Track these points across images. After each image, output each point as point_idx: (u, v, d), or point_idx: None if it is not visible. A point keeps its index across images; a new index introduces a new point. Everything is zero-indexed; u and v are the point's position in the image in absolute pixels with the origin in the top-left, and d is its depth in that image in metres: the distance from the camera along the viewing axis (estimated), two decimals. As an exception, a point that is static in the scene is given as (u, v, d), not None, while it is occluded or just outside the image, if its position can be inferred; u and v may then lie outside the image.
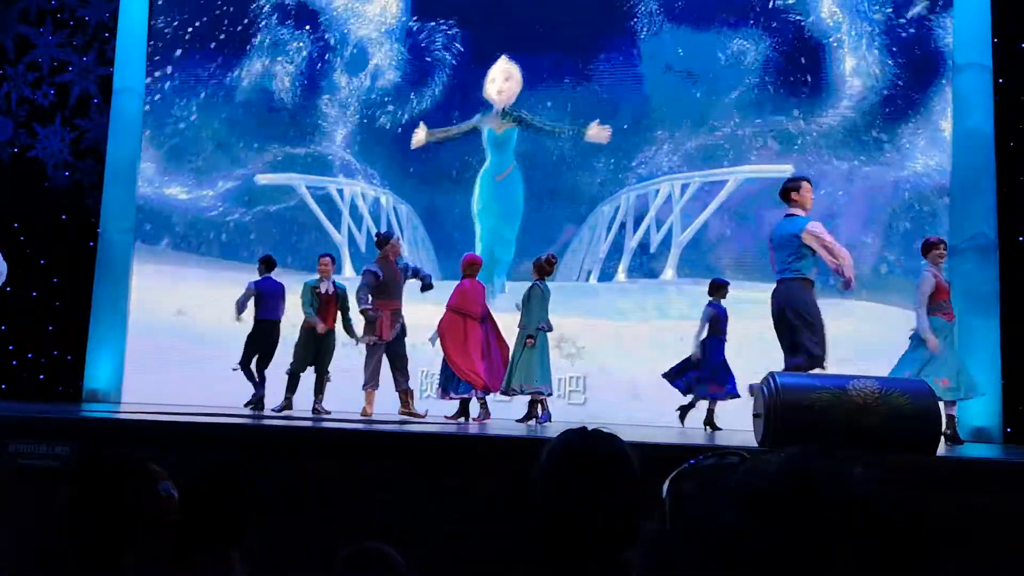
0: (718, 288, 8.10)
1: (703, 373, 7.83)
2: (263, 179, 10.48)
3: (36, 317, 10.07)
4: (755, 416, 4.81)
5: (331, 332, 8.12)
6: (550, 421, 7.50)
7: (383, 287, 7.64)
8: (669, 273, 9.59)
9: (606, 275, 9.81)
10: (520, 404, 7.87)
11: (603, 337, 9.48)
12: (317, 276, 8.23)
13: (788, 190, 5.93)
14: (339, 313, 8.15)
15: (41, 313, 10.11)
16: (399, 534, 4.22)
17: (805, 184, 5.97)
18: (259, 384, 8.27)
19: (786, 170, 9.03)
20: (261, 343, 8.27)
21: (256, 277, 8.46)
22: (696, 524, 0.68)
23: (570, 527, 1.73)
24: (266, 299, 8.33)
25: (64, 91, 10.61)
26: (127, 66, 10.50)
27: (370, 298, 7.57)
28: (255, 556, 2.66)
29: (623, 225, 9.77)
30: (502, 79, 10.16)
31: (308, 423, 6.25)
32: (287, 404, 8.00)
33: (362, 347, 7.80)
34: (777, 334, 5.75)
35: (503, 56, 10.14)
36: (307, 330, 8.08)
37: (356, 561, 2.70)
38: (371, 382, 7.60)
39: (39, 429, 4.91)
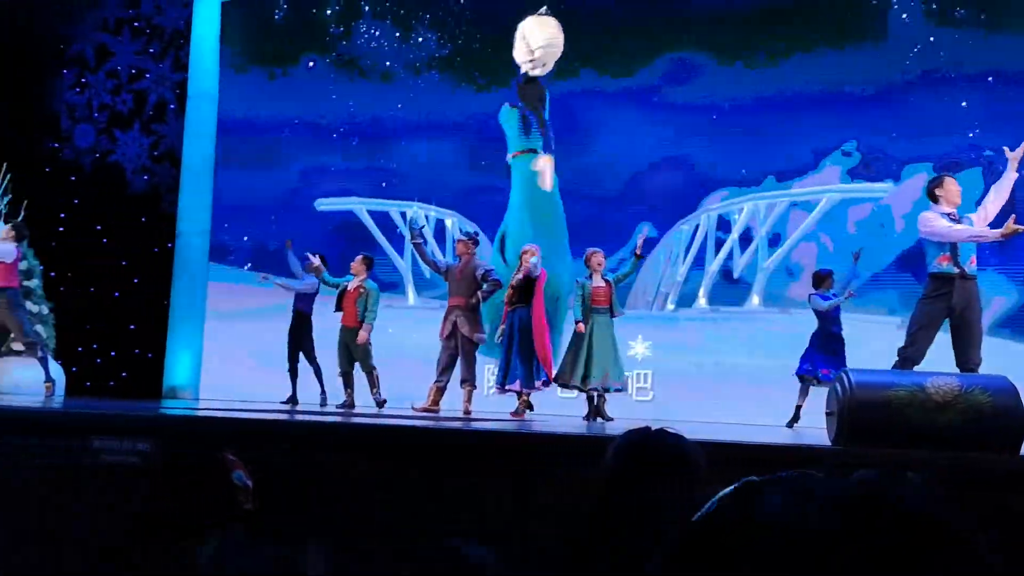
0: (822, 279, 7.92)
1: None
2: (323, 205, 10.37)
3: (117, 316, 10.42)
4: (827, 414, 4.71)
5: (356, 329, 8.16)
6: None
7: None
8: (755, 300, 9.13)
9: (685, 300, 9.34)
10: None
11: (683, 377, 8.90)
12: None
13: (931, 188, 5.89)
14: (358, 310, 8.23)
15: (122, 312, 10.45)
16: (480, 532, 4.24)
17: (947, 179, 5.87)
18: (296, 379, 8.74)
19: (885, 189, 8.72)
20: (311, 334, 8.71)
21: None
22: (737, 549, 0.67)
23: (632, 527, 1.72)
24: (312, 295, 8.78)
25: (141, 98, 10.93)
26: (200, 72, 10.76)
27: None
28: (334, 549, 2.69)
29: (703, 247, 9.29)
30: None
31: (372, 419, 6.33)
32: (349, 401, 8.20)
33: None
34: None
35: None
36: (339, 330, 8.28)
37: (443, 558, 2.72)
38: (470, 379, 7.73)
39: (121, 426, 5.06)
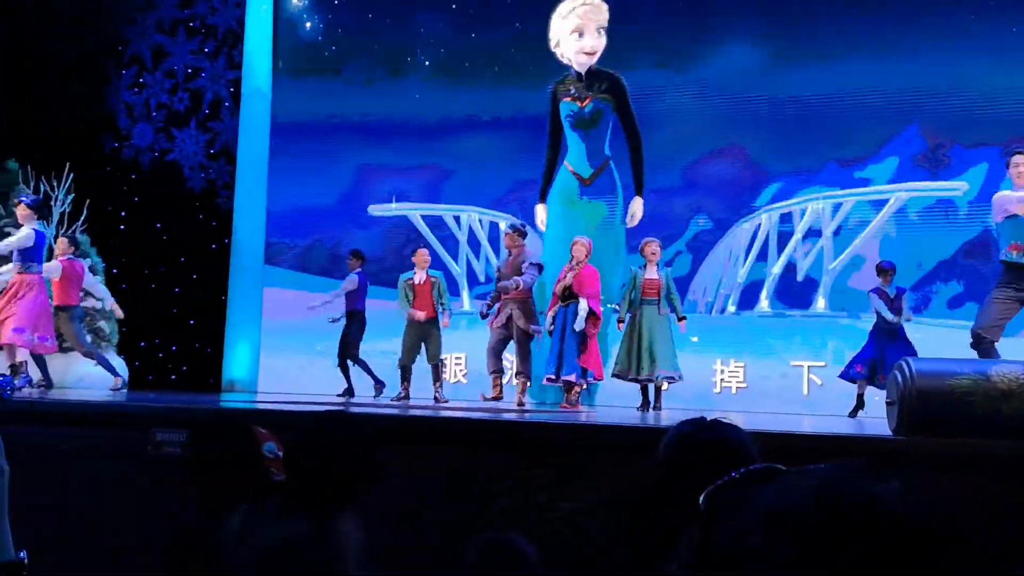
0: (884, 272, 7.79)
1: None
2: (377, 211, 10.35)
3: (177, 311, 10.65)
4: (888, 404, 4.62)
5: (434, 321, 8.23)
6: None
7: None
8: (821, 303, 8.86)
9: (746, 303, 9.10)
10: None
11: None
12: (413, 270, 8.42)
13: (1007, 166, 5.75)
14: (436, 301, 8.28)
15: (181, 308, 10.68)
16: (525, 524, 4.25)
17: (1014, 159, 5.66)
18: (350, 374, 8.85)
19: (957, 187, 8.42)
20: (360, 332, 8.78)
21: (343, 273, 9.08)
22: (725, 543, 0.66)
23: (686, 518, 1.70)
24: (363, 290, 8.84)
25: (197, 96, 11.13)
26: (254, 70, 10.91)
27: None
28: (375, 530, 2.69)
29: (765, 247, 9.04)
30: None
31: (428, 411, 6.36)
32: (405, 394, 8.21)
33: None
34: None
35: None
36: (409, 323, 8.29)
37: (488, 552, 2.72)
38: (524, 372, 7.76)
39: (182, 418, 5.17)
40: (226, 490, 2.36)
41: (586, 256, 7.72)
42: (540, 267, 7.77)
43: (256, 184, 10.79)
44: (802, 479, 0.67)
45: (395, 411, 6.32)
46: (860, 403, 7.55)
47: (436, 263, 9.46)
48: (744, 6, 9.32)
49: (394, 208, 10.26)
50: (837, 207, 8.86)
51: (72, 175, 9.78)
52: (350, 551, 2.26)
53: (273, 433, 2.62)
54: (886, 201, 8.75)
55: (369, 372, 8.82)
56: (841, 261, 8.78)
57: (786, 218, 9.04)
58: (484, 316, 7.96)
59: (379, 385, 8.77)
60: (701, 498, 0.73)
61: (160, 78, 11.18)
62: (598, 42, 9.63)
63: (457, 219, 10.09)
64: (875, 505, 0.64)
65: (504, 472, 4.39)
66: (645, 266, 7.77)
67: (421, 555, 4.45)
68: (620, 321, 7.69)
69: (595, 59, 9.67)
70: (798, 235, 8.96)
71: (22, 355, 7.56)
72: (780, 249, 9.00)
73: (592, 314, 7.47)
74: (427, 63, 10.40)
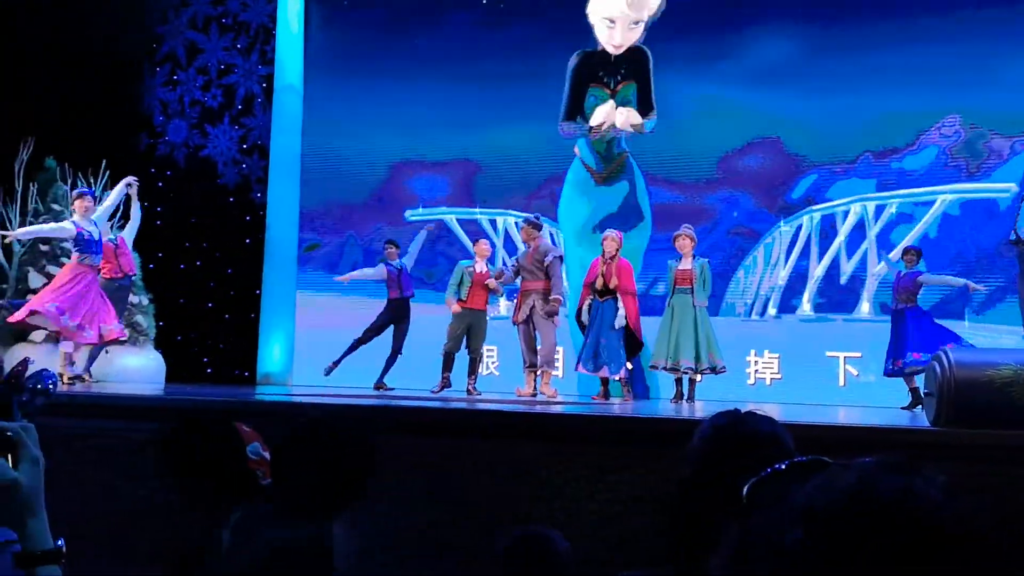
0: (907, 252, 7.72)
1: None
2: (414, 215, 10.32)
3: (213, 305, 10.77)
4: (926, 395, 4.56)
5: (482, 313, 8.26)
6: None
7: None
8: (865, 307, 8.73)
9: (787, 306, 8.98)
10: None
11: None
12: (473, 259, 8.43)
13: None
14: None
15: (217, 301, 10.79)
16: (558, 517, 4.25)
17: None
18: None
19: (1006, 189, 8.22)
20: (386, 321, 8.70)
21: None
22: (762, 538, 0.65)
23: (721, 511, 1.69)
24: (396, 280, 8.73)
25: (230, 92, 11.22)
26: (286, 65, 10.98)
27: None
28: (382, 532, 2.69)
29: (806, 249, 8.92)
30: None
31: (464, 404, 6.38)
32: (444, 383, 8.20)
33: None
34: None
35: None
36: (459, 314, 8.24)
37: (521, 545, 2.73)
38: (549, 361, 7.81)
39: (218, 412, 5.22)
40: (208, 490, 2.18)
41: (617, 250, 7.71)
42: (562, 258, 7.91)
43: (289, 179, 10.87)
44: (844, 473, 0.66)
45: (433, 403, 6.34)
46: (915, 397, 7.38)
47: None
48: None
49: (430, 213, 10.22)
50: (880, 209, 8.72)
51: (108, 172, 9.90)
52: (343, 558, 2.09)
53: (258, 432, 2.41)
54: (929, 195, 8.62)
55: (345, 354, 8.63)
56: (884, 266, 8.58)
57: (829, 219, 8.93)
58: (499, 278, 8.11)
59: (332, 366, 8.63)
60: (744, 490, 0.73)
61: (193, 75, 11.28)
62: (628, 36, 9.58)
63: (493, 223, 10.10)
64: (913, 503, 0.63)
65: (539, 464, 4.40)
66: (681, 256, 7.74)
67: (455, 548, 4.46)
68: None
69: (622, 51, 9.62)
70: (841, 237, 8.84)
71: (72, 348, 7.63)
72: (822, 252, 8.89)
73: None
74: (465, 56, 10.31)
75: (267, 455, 2.27)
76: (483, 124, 10.15)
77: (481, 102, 10.17)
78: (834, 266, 8.88)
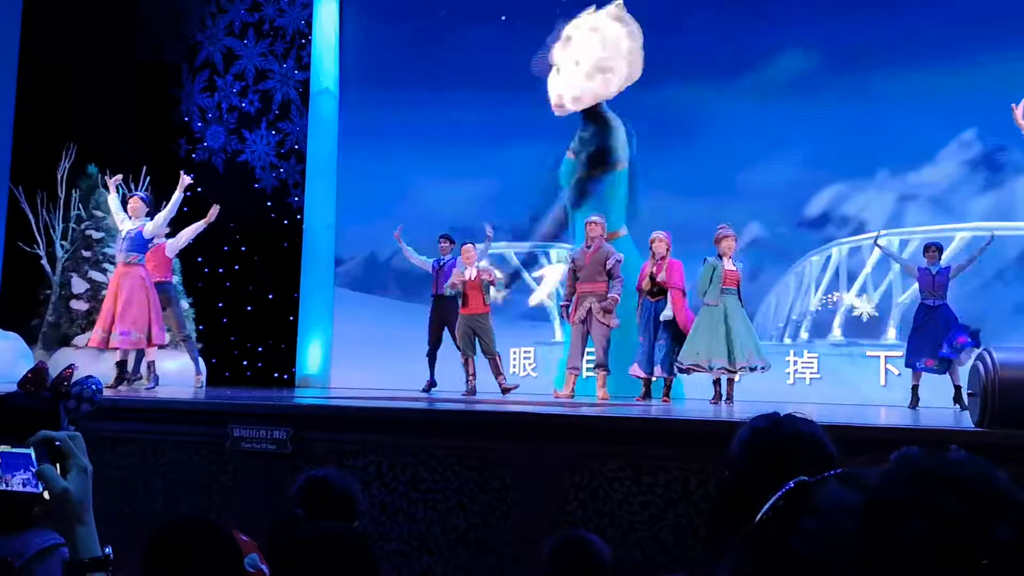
0: (928, 248, 7.64)
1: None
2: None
3: (252, 308, 10.89)
4: (970, 395, 4.49)
5: (484, 315, 8.19)
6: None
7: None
8: (891, 333, 8.73)
9: (819, 331, 9.07)
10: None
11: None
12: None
13: None
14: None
15: (257, 305, 10.92)
16: (600, 520, 4.24)
17: None
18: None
19: None
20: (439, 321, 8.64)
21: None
22: (807, 543, 0.64)
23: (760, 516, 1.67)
24: (445, 277, 8.57)
25: (267, 97, 11.35)
26: (322, 70, 11.06)
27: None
28: None
29: (836, 279, 9.01)
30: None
31: (500, 407, 6.37)
32: (469, 389, 8.20)
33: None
34: None
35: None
36: (461, 319, 8.26)
37: (563, 548, 2.72)
38: (604, 365, 7.77)
39: (258, 414, 5.27)
40: None
41: (667, 251, 7.70)
42: (620, 260, 7.82)
43: (326, 183, 10.95)
44: (894, 472, 0.65)
45: (472, 406, 6.35)
46: (958, 394, 7.28)
47: (526, 292, 9.91)
48: (797, 13, 9.20)
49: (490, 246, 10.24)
50: (904, 243, 8.72)
51: (149, 178, 10.06)
52: None
53: (254, 542, 2.22)
54: (950, 204, 8.54)
55: (432, 371, 8.60)
56: (910, 295, 8.55)
57: (855, 250, 9.01)
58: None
59: (429, 385, 8.58)
60: (781, 494, 0.72)
61: (231, 81, 11.42)
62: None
63: (547, 255, 10.14)
64: (961, 471, 0.62)
65: (577, 467, 4.39)
66: (721, 257, 7.63)
67: (493, 550, 4.47)
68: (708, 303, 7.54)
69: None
70: (868, 269, 8.89)
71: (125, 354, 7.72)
72: (850, 283, 8.98)
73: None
74: (496, 65, 10.28)
75: (265, 568, 2.14)
76: (514, 135, 10.06)
77: (514, 111, 10.10)
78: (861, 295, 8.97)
